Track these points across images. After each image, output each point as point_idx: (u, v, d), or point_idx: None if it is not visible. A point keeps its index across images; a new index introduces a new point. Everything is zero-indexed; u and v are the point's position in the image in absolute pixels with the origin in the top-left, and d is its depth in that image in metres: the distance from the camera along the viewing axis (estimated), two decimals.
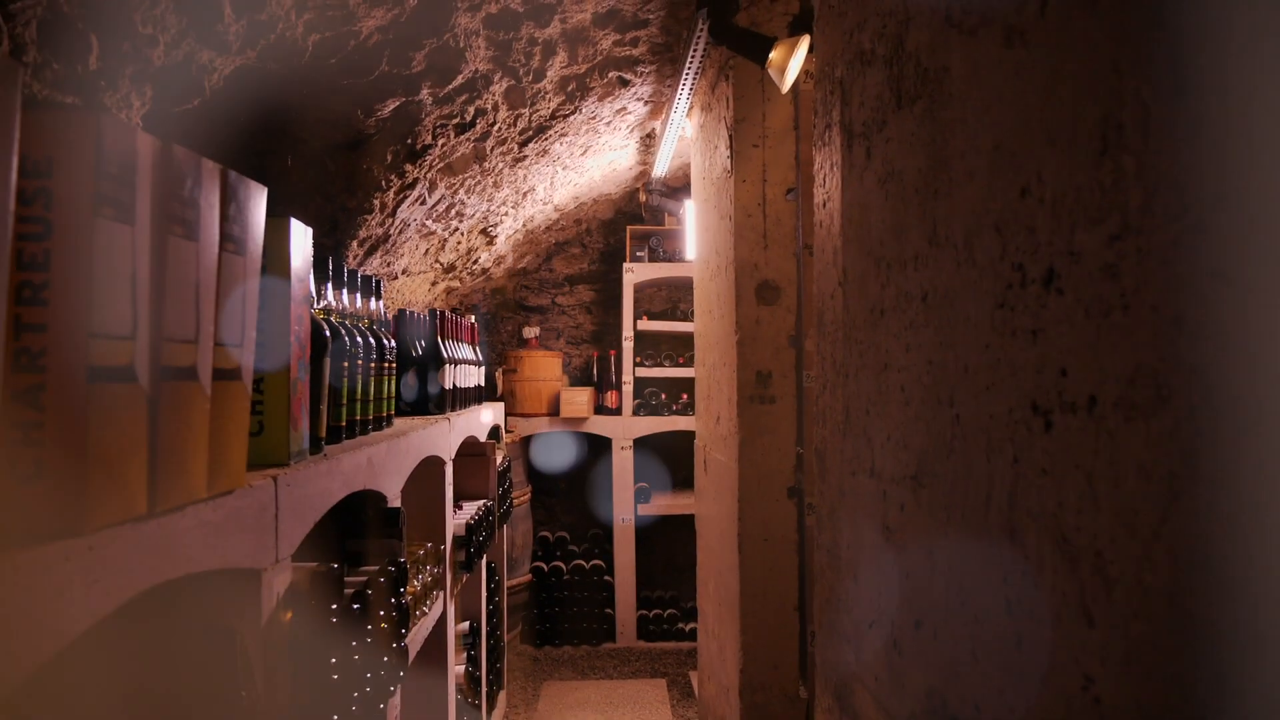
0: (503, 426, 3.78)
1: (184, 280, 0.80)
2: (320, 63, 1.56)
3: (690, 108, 3.00)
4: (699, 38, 2.17)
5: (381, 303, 1.92)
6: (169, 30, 1.14)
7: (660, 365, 5.05)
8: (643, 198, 4.88)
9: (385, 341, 1.83)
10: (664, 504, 5.02)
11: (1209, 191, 0.52)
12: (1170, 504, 0.55)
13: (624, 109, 3.01)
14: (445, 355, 2.52)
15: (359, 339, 1.64)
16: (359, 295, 1.74)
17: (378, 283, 1.86)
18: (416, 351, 2.44)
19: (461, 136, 2.39)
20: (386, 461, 1.65)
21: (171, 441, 0.80)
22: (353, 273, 1.69)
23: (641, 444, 5.15)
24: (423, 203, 2.62)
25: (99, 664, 0.86)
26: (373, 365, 1.73)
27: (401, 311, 2.36)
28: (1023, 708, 0.75)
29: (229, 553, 0.93)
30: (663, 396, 5.12)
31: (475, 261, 3.94)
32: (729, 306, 2.74)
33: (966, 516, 0.86)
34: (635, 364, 5.02)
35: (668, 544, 5.43)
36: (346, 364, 1.55)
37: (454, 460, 2.46)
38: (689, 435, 5.10)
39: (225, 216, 0.88)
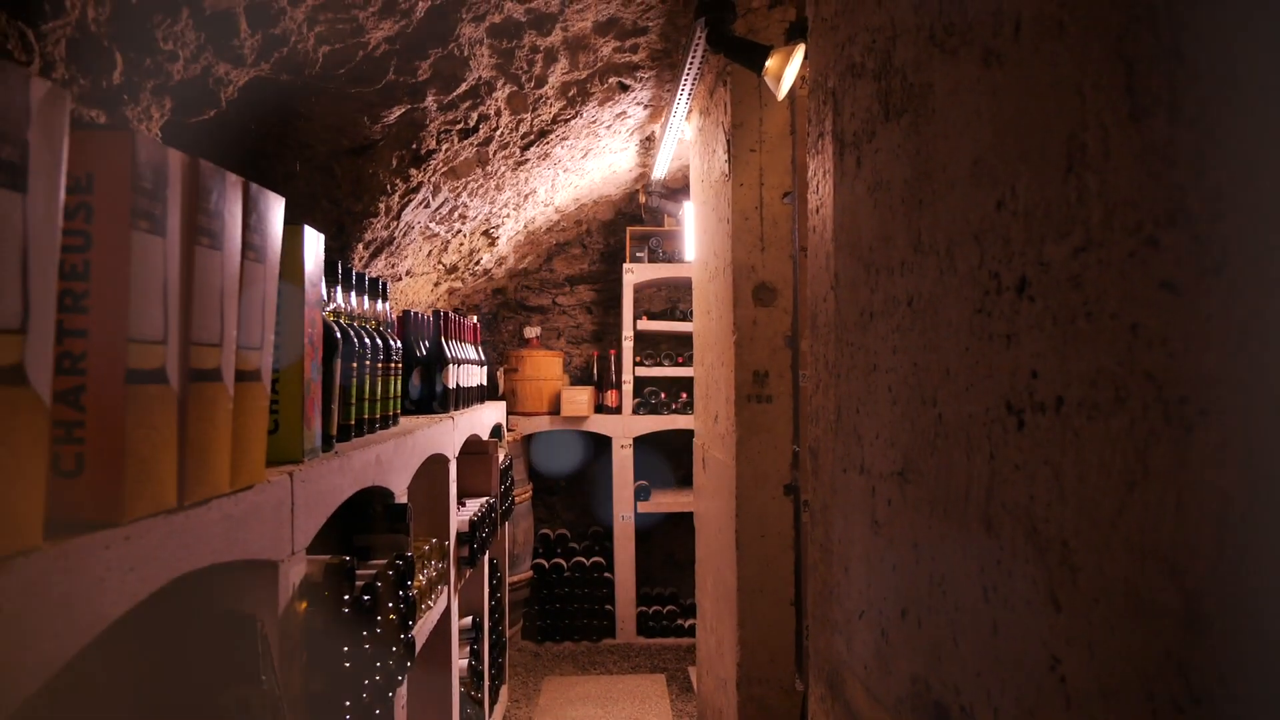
0: (504, 425, 3.83)
1: (210, 287, 0.85)
2: (330, 72, 1.61)
3: (689, 112, 3.05)
4: (697, 45, 2.22)
5: (387, 304, 1.97)
6: (188, 45, 1.19)
7: (660, 365, 5.10)
8: (642, 199, 4.93)
9: (391, 342, 1.88)
10: (664, 502, 5.07)
11: (1161, 210, 0.57)
12: (1126, 496, 0.60)
13: (624, 113, 3.06)
14: (449, 355, 2.56)
15: (367, 340, 1.69)
16: (366, 297, 1.79)
17: (384, 285, 1.90)
18: (421, 352, 2.49)
19: (465, 141, 2.44)
20: (394, 459, 1.70)
21: (198, 439, 0.85)
22: (360, 275, 1.74)
23: (641, 442, 5.20)
24: (427, 206, 2.67)
25: (132, 648, 0.91)
26: (379, 365, 1.78)
27: (406, 312, 2.41)
28: (997, 689, 0.79)
29: (249, 545, 0.98)
30: (662, 395, 5.16)
31: (477, 262, 4.00)
32: (727, 307, 2.78)
33: (948, 510, 0.91)
34: (635, 363, 5.07)
35: (667, 541, 5.48)
36: (355, 364, 1.60)
37: (457, 458, 2.51)
38: (688, 434, 5.15)
39: (247, 226, 0.93)
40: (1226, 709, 0.49)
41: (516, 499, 4.50)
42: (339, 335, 1.43)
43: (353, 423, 1.62)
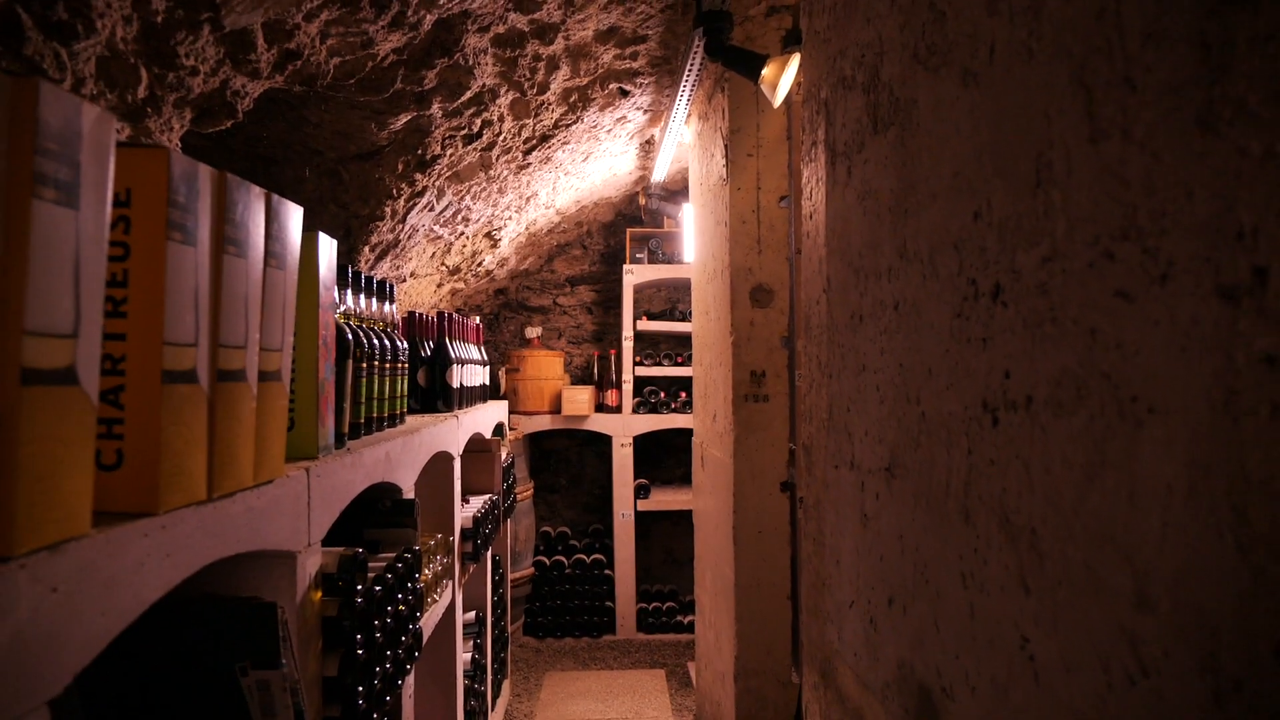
0: (506, 424, 3.88)
1: (236, 293, 0.91)
2: (340, 82, 1.67)
3: (688, 116, 3.10)
4: (695, 54, 2.28)
5: (394, 306, 2.02)
6: (208, 61, 1.25)
7: (659, 364, 5.15)
8: (642, 201, 4.98)
9: (398, 343, 1.93)
10: (663, 500, 5.12)
11: (1116, 225, 0.62)
12: (1086, 487, 0.65)
13: (624, 118, 3.11)
14: (453, 355, 2.62)
15: (375, 341, 1.74)
16: (374, 300, 1.84)
17: (391, 287, 1.96)
18: (425, 352, 2.54)
19: (469, 146, 2.49)
20: (402, 456, 1.75)
21: (225, 435, 0.90)
22: (369, 279, 1.79)
23: (641, 441, 5.26)
24: (431, 209, 2.72)
25: (164, 633, 0.97)
26: (387, 365, 1.83)
27: (411, 313, 2.46)
28: (974, 669, 0.85)
29: (270, 536, 1.04)
30: (662, 395, 5.21)
31: (480, 264, 4.05)
32: (725, 308, 2.83)
33: (930, 502, 0.96)
34: (635, 363, 5.12)
35: (666, 539, 5.54)
36: (365, 365, 1.65)
37: (461, 456, 2.57)
38: (687, 433, 5.20)
39: (269, 235, 0.98)
40: (1172, 679, 0.54)
41: (518, 497, 4.55)
42: (350, 337, 1.49)
43: (362, 421, 1.67)
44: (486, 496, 3.00)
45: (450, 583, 2.33)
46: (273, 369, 1.02)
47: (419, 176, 2.42)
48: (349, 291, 1.67)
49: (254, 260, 0.95)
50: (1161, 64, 0.57)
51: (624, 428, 5.07)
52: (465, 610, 3.02)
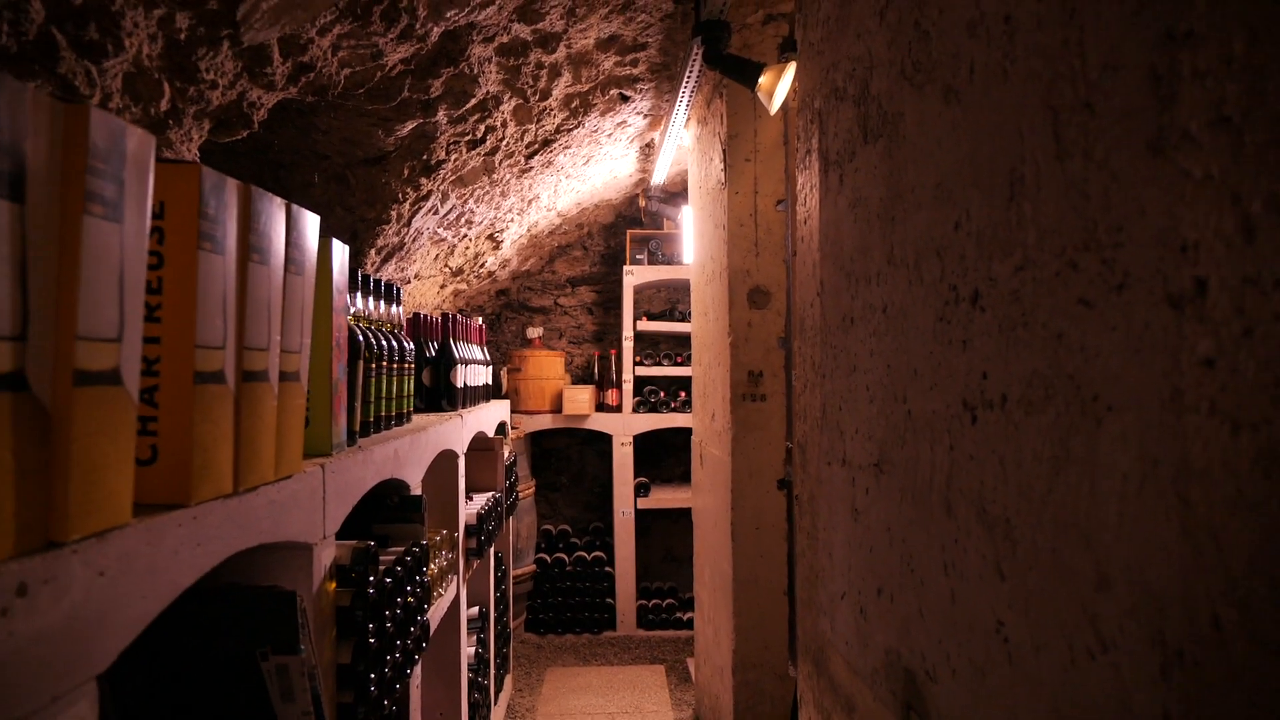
0: (509, 423, 3.93)
1: (259, 298, 0.96)
2: (350, 92, 1.72)
3: (687, 120, 3.15)
4: (694, 62, 2.33)
5: (400, 308, 2.08)
6: (226, 75, 1.30)
7: (659, 364, 5.20)
8: (642, 203, 5.03)
9: (405, 344, 1.98)
10: (663, 498, 5.18)
11: (1079, 238, 0.67)
12: (1053, 479, 0.70)
13: (624, 122, 3.17)
14: (457, 356, 2.67)
15: (384, 342, 1.79)
16: (382, 302, 1.89)
17: (398, 290, 2.01)
18: (430, 352, 2.59)
19: (473, 151, 2.55)
20: (409, 453, 1.80)
21: (249, 432, 0.96)
22: (378, 281, 1.85)
23: (641, 440, 5.31)
24: (435, 212, 2.78)
25: (188, 619, 1.02)
26: (395, 366, 1.88)
27: (416, 315, 2.51)
28: (955, 652, 0.90)
29: (289, 528, 1.09)
30: (661, 394, 5.27)
31: (482, 265, 4.10)
32: (723, 310, 2.89)
33: (915, 496, 1.01)
34: (635, 363, 5.17)
35: (666, 537, 5.59)
36: (374, 365, 1.71)
37: (465, 454, 2.62)
38: (686, 431, 5.26)
39: (289, 243, 1.04)
40: (1126, 653, 0.59)
41: (520, 495, 4.60)
42: (361, 339, 1.54)
43: (372, 419, 1.72)
44: (490, 494, 3.05)
45: (455, 578, 2.38)
46: (292, 370, 1.08)
47: (424, 181, 2.48)
48: (358, 294, 1.73)
49: (275, 267, 1.00)
50: (1118, 91, 0.62)
51: (624, 427, 5.13)
52: (469, 605, 3.08)
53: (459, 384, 2.67)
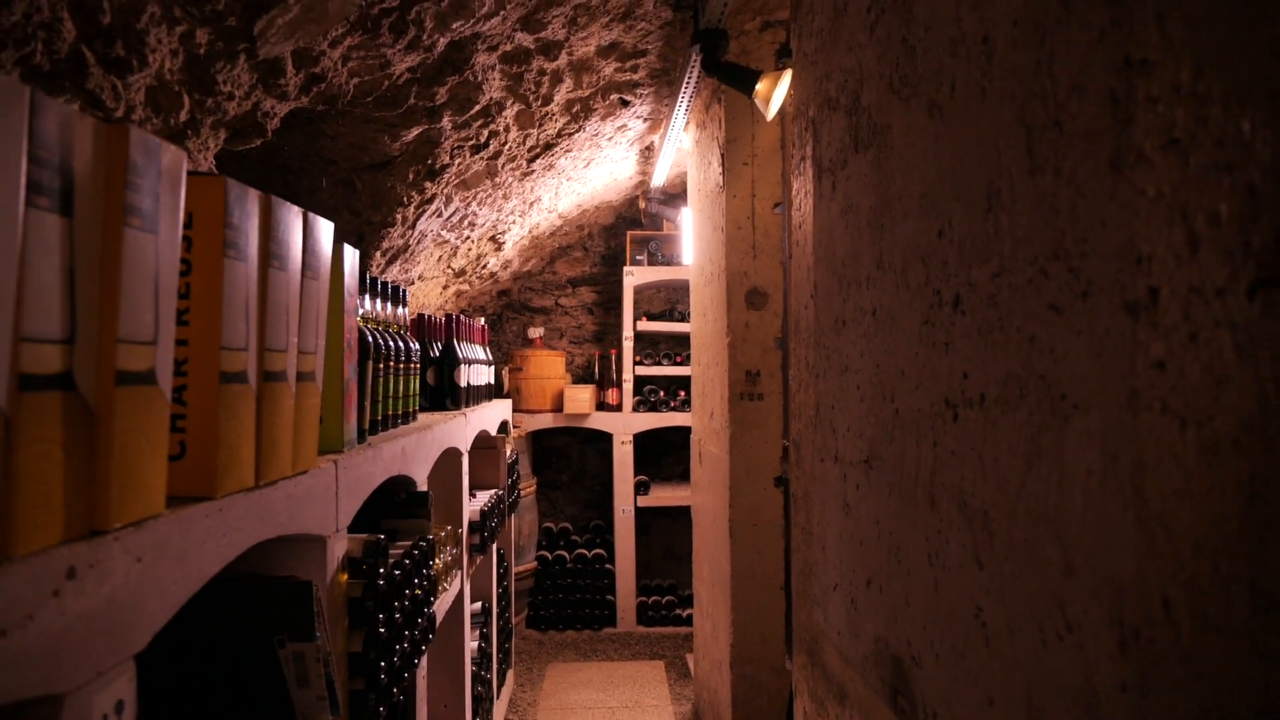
0: (510, 422, 3.98)
1: (278, 302, 1.01)
2: (358, 100, 1.77)
3: (686, 124, 3.20)
4: (693, 68, 2.38)
5: (405, 309, 2.13)
6: (242, 86, 1.35)
7: (659, 364, 5.25)
8: (642, 204, 5.08)
9: (411, 344, 2.03)
10: (663, 496, 5.23)
11: (1049, 247, 0.72)
12: (1026, 474, 0.75)
13: (624, 126, 3.22)
14: (460, 356, 2.72)
15: (391, 343, 1.84)
16: (389, 303, 1.94)
17: (404, 292, 2.06)
18: (434, 352, 2.64)
19: (476, 156, 2.60)
20: (416, 451, 1.85)
21: (269, 429, 1.01)
22: (385, 284, 1.90)
23: (641, 439, 5.36)
24: (439, 215, 2.83)
25: (208, 607, 1.07)
26: (402, 366, 1.93)
27: (421, 315, 2.56)
28: (938, 638, 0.95)
29: (305, 521, 1.14)
30: (661, 394, 5.31)
31: (484, 266, 4.15)
32: (721, 310, 2.94)
33: (902, 491, 1.06)
34: (635, 363, 5.22)
35: (666, 534, 5.64)
36: (382, 365, 1.76)
37: (468, 452, 2.67)
38: (686, 430, 5.31)
39: (305, 249, 1.09)
40: (1089, 634, 0.64)
41: (522, 492, 4.65)
42: (370, 340, 1.59)
43: (380, 418, 1.78)
44: (492, 491, 3.10)
45: (459, 573, 2.43)
46: (308, 370, 1.13)
47: (428, 185, 2.53)
48: (366, 296, 1.78)
49: (293, 272, 1.05)
50: (1083, 112, 0.67)
51: (624, 426, 5.18)
52: (472, 601, 3.13)
53: (462, 383, 2.72)
